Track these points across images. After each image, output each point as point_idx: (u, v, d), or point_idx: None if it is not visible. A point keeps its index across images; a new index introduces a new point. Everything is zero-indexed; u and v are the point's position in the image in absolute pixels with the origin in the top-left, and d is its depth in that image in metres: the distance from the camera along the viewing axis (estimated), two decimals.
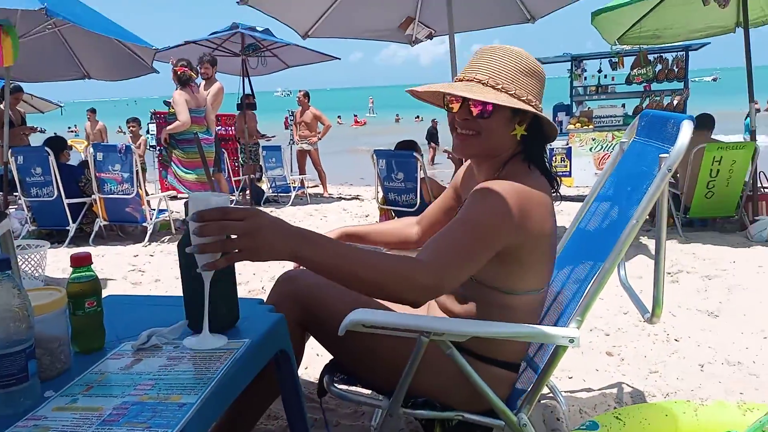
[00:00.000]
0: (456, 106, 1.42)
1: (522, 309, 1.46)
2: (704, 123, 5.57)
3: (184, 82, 5.77)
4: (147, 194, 5.69)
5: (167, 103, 7.14)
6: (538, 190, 1.39)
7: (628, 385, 2.35)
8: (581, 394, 2.28)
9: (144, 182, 5.75)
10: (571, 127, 7.69)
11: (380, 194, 5.09)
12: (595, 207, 1.77)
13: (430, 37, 5.25)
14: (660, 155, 1.39)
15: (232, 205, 1.06)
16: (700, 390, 2.26)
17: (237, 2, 4.83)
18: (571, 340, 1.40)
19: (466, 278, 1.34)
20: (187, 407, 0.92)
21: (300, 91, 9.06)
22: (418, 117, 33.03)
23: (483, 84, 1.39)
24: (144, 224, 5.47)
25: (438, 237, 1.33)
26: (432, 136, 16.20)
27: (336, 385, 1.58)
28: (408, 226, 1.89)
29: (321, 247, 1.17)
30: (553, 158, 7.61)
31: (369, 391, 1.65)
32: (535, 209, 1.37)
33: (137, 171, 5.26)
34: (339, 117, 35.45)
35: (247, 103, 8.28)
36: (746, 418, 1.28)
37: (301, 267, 1.35)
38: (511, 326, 1.42)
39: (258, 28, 7.99)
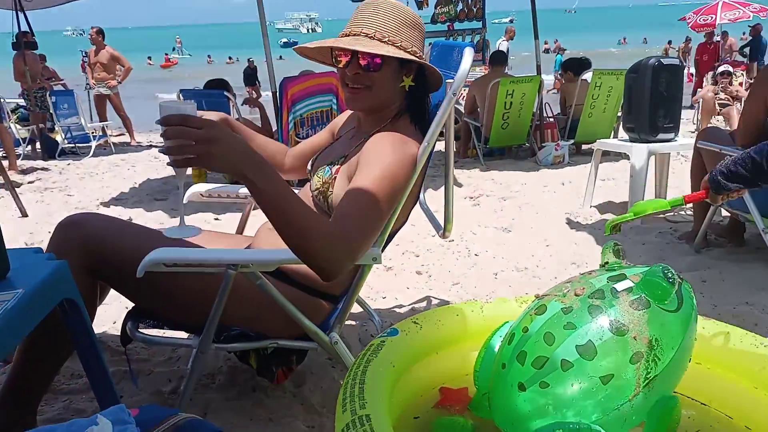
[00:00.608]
0: (344, 61, 1.42)
1: None
2: (498, 59, 6.08)
3: None
4: None
5: None
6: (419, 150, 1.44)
7: (434, 297, 2.58)
8: (394, 310, 2.45)
9: None
10: None
11: None
12: None
13: None
14: (447, 81, 1.48)
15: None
16: (494, 294, 2.56)
17: None
18: (374, 258, 1.48)
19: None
20: None
21: (92, 28, 8.08)
22: (230, 58, 31.69)
23: (370, 38, 1.40)
24: None
25: (357, 201, 1.30)
26: (249, 78, 15.57)
27: (141, 330, 1.51)
28: (279, 153, 1.82)
29: (271, 179, 1.15)
30: None
31: (180, 333, 1.61)
32: (414, 172, 1.42)
33: None
34: (149, 57, 32.77)
35: (26, 42, 7.19)
36: (522, 308, 1.48)
37: (96, 209, 1.27)
38: None
39: None
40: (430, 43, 1.88)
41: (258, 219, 1.51)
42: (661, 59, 3.30)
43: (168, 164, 1.11)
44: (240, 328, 1.51)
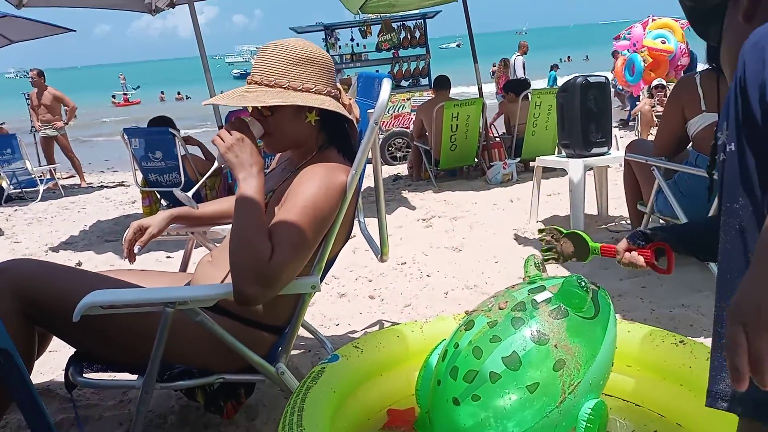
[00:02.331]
0: (249, 108, 1.53)
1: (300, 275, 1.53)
2: (442, 84, 6.24)
3: None
4: None
5: None
6: (347, 180, 1.48)
7: (386, 321, 2.62)
8: (346, 336, 2.48)
9: None
10: None
11: (140, 176, 4.78)
12: None
13: (171, 5, 4.95)
14: (368, 111, 1.55)
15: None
16: (444, 313, 2.62)
17: None
18: (313, 286, 1.52)
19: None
20: None
21: (32, 70, 7.94)
22: (179, 94, 31.71)
23: (259, 84, 1.45)
24: None
25: (280, 231, 1.36)
26: None
27: (85, 375, 1.50)
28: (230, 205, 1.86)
29: (258, 190, 1.37)
30: None
31: (126, 375, 1.60)
32: (344, 202, 1.48)
33: None
34: (113, 96, 32.85)
35: None
36: None
37: (45, 255, 1.31)
38: None
39: None
40: (377, 70, 1.94)
41: (201, 254, 1.53)
42: (588, 78, 3.47)
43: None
44: (183, 366, 1.52)
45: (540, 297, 1.25)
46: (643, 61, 7.56)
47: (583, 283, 1.24)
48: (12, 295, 1.38)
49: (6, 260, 1.50)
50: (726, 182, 0.79)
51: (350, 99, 1.59)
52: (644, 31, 7.81)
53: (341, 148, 1.56)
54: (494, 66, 11.61)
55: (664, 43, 7.68)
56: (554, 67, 14.16)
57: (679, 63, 7.91)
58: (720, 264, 0.81)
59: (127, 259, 1.71)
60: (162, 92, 33.88)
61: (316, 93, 1.48)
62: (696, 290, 2.65)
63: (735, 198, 0.76)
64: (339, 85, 1.57)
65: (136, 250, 1.72)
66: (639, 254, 1.34)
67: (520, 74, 10.67)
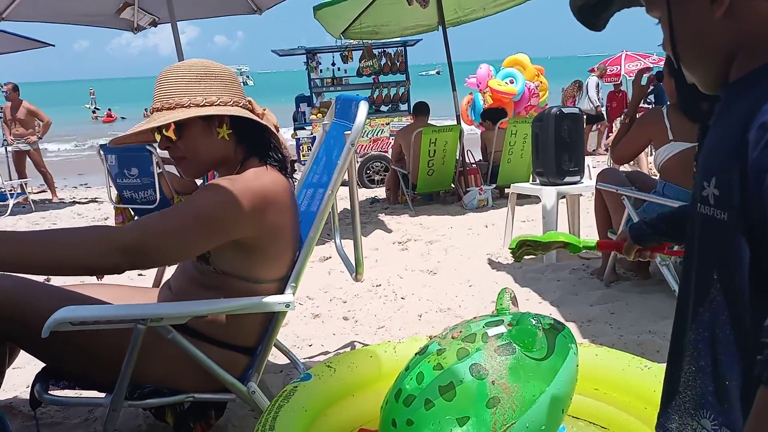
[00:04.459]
0: (158, 141, 1.44)
1: (265, 294, 1.52)
2: (421, 110, 6.34)
3: None
4: None
5: None
6: (273, 185, 1.44)
7: (359, 342, 2.62)
8: (319, 357, 2.47)
9: None
10: (314, 117, 8.04)
11: (114, 193, 4.73)
12: (306, 189, 1.92)
13: (154, 24, 4.98)
14: (345, 132, 1.58)
15: None
16: (417, 335, 2.63)
17: None
18: (287, 305, 1.52)
19: (176, 257, 1.38)
20: None
21: (6, 84, 7.85)
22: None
23: (159, 110, 1.42)
24: None
25: (151, 214, 1.35)
26: None
27: (51, 392, 1.48)
28: None
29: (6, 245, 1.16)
30: (300, 147, 7.86)
31: (94, 392, 1.58)
32: (270, 206, 1.43)
33: None
34: (94, 111, 32.56)
35: None
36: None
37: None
38: (228, 301, 1.47)
39: None
40: (357, 95, 1.96)
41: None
42: (562, 108, 3.57)
43: None
44: (153, 386, 1.50)
45: (492, 331, 1.22)
46: (484, 102, 8.03)
47: (536, 322, 1.22)
48: None
49: None
50: (705, 243, 0.82)
51: (264, 109, 1.54)
52: (489, 73, 8.36)
53: (264, 157, 1.50)
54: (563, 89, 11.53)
55: (512, 82, 8.21)
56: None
57: (528, 103, 8.42)
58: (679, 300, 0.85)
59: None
60: (146, 109, 33.55)
61: (220, 105, 1.44)
62: (662, 317, 2.71)
63: (712, 266, 0.79)
64: (250, 98, 1.53)
65: None
66: (655, 251, 1.34)
67: (593, 95, 10.56)
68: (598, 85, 10.85)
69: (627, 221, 2.92)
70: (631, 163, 7.66)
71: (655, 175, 3.06)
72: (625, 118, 2.97)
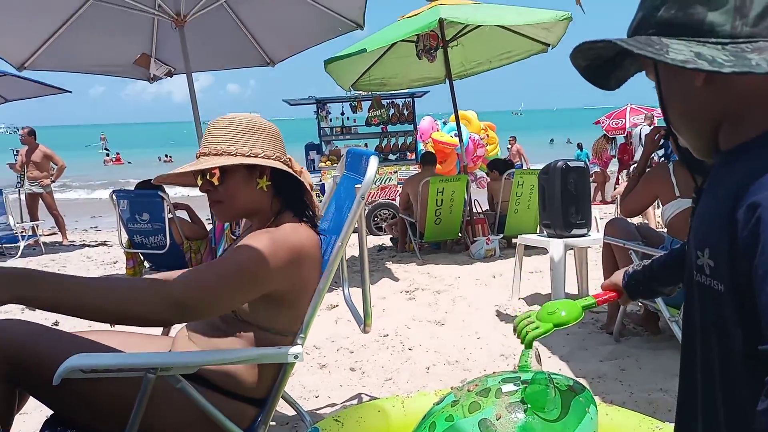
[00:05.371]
0: (199, 182, 1.51)
1: (282, 345, 1.53)
2: (428, 159, 6.43)
3: None
4: None
5: None
6: (308, 241, 1.50)
7: (366, 394, 2.59)
8: (326, 409, 2.45)
9: None
10: (323, 164, 8.17)
11: (125, 237, 4.79)
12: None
13: (170, 74, 5.13)
14: (356, 186, 1.61)
15: None
16: (425, 388, 2.60)
17: None
18: (296, 356, 1.52)
19: (222, 311, 1.41)
20: None
21: (23, 129, 8.05)
22: (167, 156, 32.34)
23: (206, 155, 1.50)
24: None
25: (197, 267, 1.38)
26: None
27: None
28: None
29: (45, 284, 1.18)
30: None
31: None
32: (305, 261, 1.49)
33: None
34: (107, 155, 33.11)
35: None
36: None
37: (22, 313, 1.28)
38: (238, 351, 1.48)
39: None
40: (366, 144, 2.01)
41: None
42: (568, 162, 3.62)
43: None
44: None
45: (507, 387, 1.21)
46: (424, 149, 8.43)
47: (550, 381, 1.21)
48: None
49: None
50: (705, 311, 0.83)
51: (301, 168, 1.60)
52: (433, 125, 9.36)
53: (298, 213, 1.56)
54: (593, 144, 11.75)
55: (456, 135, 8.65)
56: (580, 146, 14.24)
57: (475, 154, 9.36)
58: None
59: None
60: (167, 155, 33.94)
61: (264, 157, 1.51)
62: (674, 374, 2.66)
63: (711, 333, 0.80)
64: (290, 156, 1.59)
65: None
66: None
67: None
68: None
69: None
70: (640, 217, 7.68)
71: (663, 229, 3.07)
72: (634, 171, 3.01)
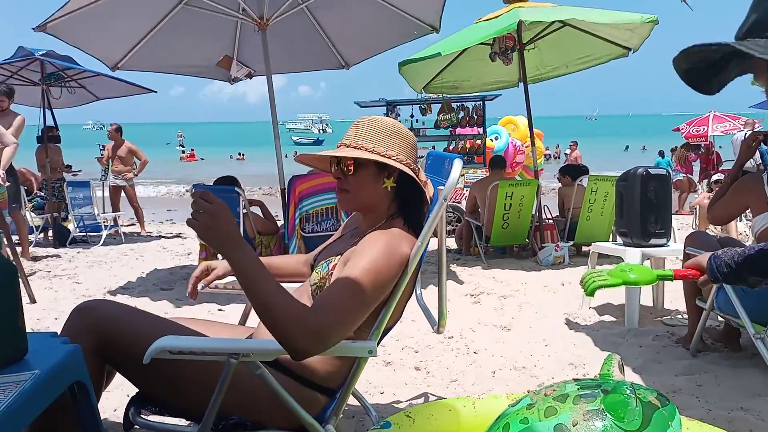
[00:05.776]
0: (332, 167, 1.63)
1: (358, 339, 1.57)
2: (498, 163, 6.36)
3: None
4: None
5: None
6: (410, 252, 1.54)
7: (431, 394, 2.59)
8: (391, 405, 2.46)
9: None
10: None
11: None
12: None
13: (249, 76, 5.32)
14: (438, 188, 1.62)
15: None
16: (491, 392, 2.57)
17: (33, 29, 4.48)
18: (370, 351, 1.55)
19: (354, 328, 1.45)
20: None
21: (111, 125, 8.54)
22: (240, 154, 33.54)
23: (347, 146, 1.60)
24: None
25: (338, 288, 1.41)
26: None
27: (143, 416, 1.55)
28: (300, 264, 1.96)
29: (250, 262, 1.32)
30: None
31: (181, 420, 1.65)
32: (406, 270, 1.53)
33: None
34: (192, 150, 35.44)
35: (50, 136, 7.60)
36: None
37: (104, 297, 1.36)
38: None
39: (57, 54, 7.41)
40: (433, 146, 2.03)
41: None
42: (649, 169, 3.49)
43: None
44: (237, 418, 1.55)
45: (586, 395, 1.19)
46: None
47: (632, 392, 1.16)
48: (91, 333, 1.47)
49: (87, 300, 1.60)
50: None
51: (427, 180, 1.67)
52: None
53: (408, 220, 1.63)
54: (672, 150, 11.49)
55: (496, 139, 9.20)
56: (662, 154, 13.78)
57: (515, 160, 9.27)
58: None
59: (189, 295, 1.84)
60: (240, 153, 35.25)
61: (396, 160, 1.59)
62: (756, 394, 2.53)
63: None
64: (419, 167, 1.67)
65: (200, 288, 1.86)
66: None
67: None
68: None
69: (718, 289, 2.78)
70: (720, 228, 7.29)
71: (746, 241, 2.91)
72: (726, 177, 2.89)
